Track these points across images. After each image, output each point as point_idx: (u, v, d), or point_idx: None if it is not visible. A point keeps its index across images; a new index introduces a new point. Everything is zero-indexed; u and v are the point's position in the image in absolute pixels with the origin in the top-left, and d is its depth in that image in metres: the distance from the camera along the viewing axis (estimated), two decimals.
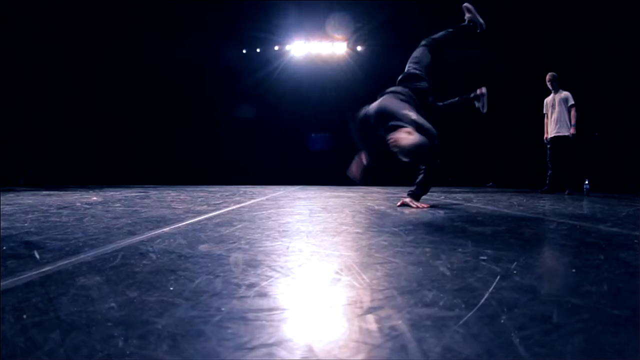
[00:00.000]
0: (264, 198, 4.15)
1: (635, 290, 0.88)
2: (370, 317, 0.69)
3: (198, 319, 0.65)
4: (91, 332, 0.60)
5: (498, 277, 0.96)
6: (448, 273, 1.00)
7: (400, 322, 0.66)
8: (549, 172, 6.15)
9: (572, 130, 5.86)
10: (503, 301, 0.78)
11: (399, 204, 3.20)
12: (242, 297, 0.78)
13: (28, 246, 1.30)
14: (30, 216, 2.17)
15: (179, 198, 3.99)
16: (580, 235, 1.68)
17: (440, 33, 3.39)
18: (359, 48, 11.10)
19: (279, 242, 1.40)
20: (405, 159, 2.52)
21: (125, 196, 4.29)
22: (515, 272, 1.01)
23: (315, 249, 1.30)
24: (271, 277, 0.93)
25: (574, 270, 1.06)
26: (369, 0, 9.47)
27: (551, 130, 6.09)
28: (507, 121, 10.05)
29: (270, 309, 0.71)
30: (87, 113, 10.14)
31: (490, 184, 10.29)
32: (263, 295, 0.80)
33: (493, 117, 10.10)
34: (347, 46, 11.05)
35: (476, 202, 3.80)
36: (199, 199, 3.80)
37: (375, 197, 4.49)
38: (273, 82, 11.00)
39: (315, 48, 11.02)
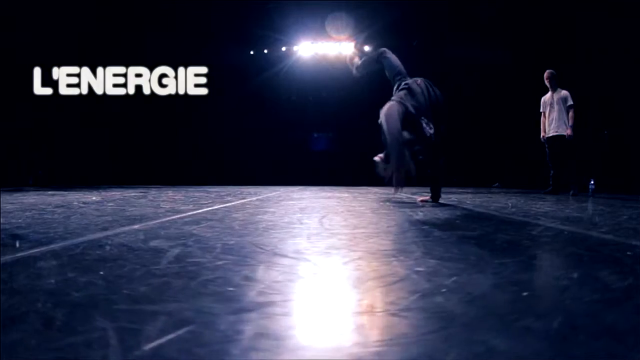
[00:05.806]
0: (255, 198, 4.34)
1: (596, 332, 0.60)
2: (232, 318, 0.71)
3: (101, 296, 0.88)
4: (26, 297, 0.87)
5: (417, 295, 0.80)
6: (358, 285, 0.92)
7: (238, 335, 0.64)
8: (551, 172, 6.18)
9: (568, 132, 5.85)
10: (391, 329, 0.62)
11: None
12: (149, 284, 0.97)
13: (14, 238, 1.60)
14: (26, 213, 2.51)
15: (173, 198, 4.30)
16: (562, 244, 1.49)
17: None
18: (366, 48, 11.28)
19: (224, 241, 1.56)
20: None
21: (123, 196, 4.63)
22: (444, 290, 0.83)
23: (254, 249, 1.41)
24: (191, 271, 1.08)
25: (525, 294, 0.82)
26: (376, 0, 9.65)
27: (549, 129, 6.10)
28: (512, 121, 10.05)
29: (161, 297, 0.85)
30: (96, 113, 10.46)
31: (497, 184, 10.32)
32: (166, 285, 0.95)
33: (498, 117, 10.19)
34: (355, 47, 11.24)
35: (469, 202, 3.71)
36: (191, 199, 4.09)
37: (369, 197, 4.45)
38: (280, 82, 11.26)
39: (322, 48, 11.25)
